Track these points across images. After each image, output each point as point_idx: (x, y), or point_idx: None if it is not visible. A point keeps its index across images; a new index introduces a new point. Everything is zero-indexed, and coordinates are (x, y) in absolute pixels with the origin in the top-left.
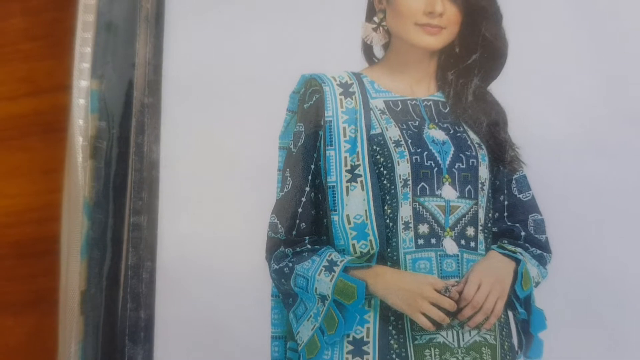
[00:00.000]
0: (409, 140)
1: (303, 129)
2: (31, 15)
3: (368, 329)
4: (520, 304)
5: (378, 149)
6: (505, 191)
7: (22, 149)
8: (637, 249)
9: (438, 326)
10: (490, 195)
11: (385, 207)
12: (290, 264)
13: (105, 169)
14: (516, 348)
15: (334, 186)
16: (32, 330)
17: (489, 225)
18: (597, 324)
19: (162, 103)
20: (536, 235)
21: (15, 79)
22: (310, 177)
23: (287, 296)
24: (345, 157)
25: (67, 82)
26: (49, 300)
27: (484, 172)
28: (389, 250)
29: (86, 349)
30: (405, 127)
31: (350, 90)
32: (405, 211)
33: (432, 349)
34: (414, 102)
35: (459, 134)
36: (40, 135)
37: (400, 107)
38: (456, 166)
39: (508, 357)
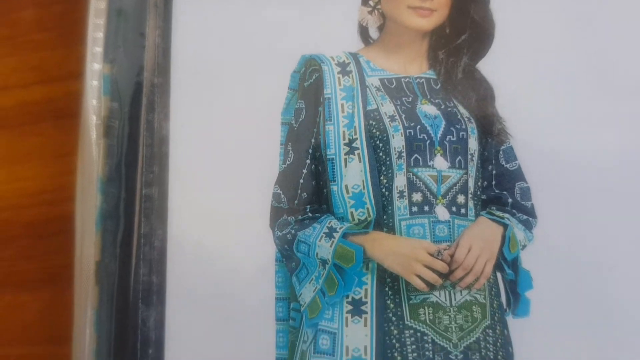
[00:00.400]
0: (403, 115)
1: (304, 106)
2: (42, 7)
3: (366, 290)
4: (508, 265)
5: (374, 123)
6: (493, 161)
7: (35, 134)
8: (617, 214)
9: (431, 287)
10: (479, 165)
11: (381, 177)
12: (293, 231)
13: (117, 147)
14: (505, 306)
15: (333, 158)
16: (46, 306)
17: (478, 193)
18: (581, 284)
19: (171, 83)
20: (522, 202)
21: (28, 68)
22: (310, 150)
23: (290, 261)
24: (344, 132)
25: (77, 70)
26: (62, 277)
27: (473, 144)
28: (385, 217)
29: (101, 314)
30: (399, 103)
31: (348, 69)
32: (400, 181)
33: (426, 307)
34: (407, 79)
35: (449, 109)
36: (52, 121)
37: (394, 84)
38: (447, 139)
39: (497, 314)
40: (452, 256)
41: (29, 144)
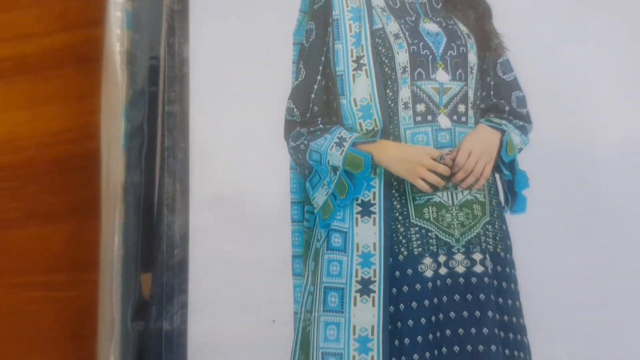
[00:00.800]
0: (407, 33)
1: (314, 27)
2: None
3: (374, 193)
4: (506, 167)
5: (380, 41)
6: (491, 73)
7: (58, 77)
8: (609, 115)
9: (435, 189)
10: (478, 77)
11: (387, 91)
12: (306, 142)
13: (140, 73)
14: (503, 204)
15: (342, 74)
16: (71, 236)
17: (478, 102)
18: (575, 183)
19: (190, 9)
20: (518, 109)
21: (51, 17)
22: (321, 68)
23: (303, 168)
24: (352, 50)
25: (97, 18)
26: (86, 209)
27: (472, 58)
28: (391, 127)
29: (128, 223)
30: (403, 22)
31: None
32: (404, 93)
33: (430, 207)
34: (411, 0)
35: (450, 27)
36: (74, 65)
37: (398, 5)
38: (448, 54)
39: (496, 211)
40: (453, 160)
41: (51, 87)
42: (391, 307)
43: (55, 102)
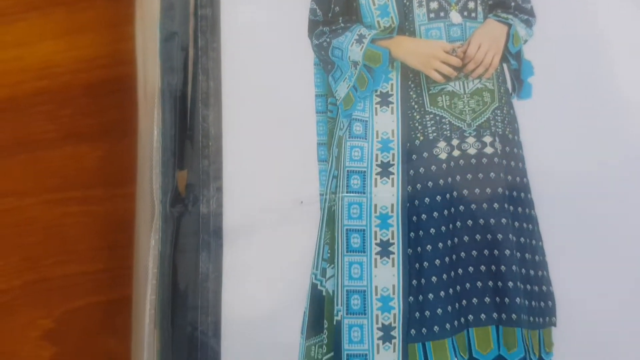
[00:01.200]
0: None
1: None
2: None
3: (392, 84)
4: (512, 57)
5: None
6: None
7: (89, 8)
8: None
9: (447, 79)
10: None
11: None
12: (328, 39)
13: None
14: (510, 91)
15: None
16: (105, 154)
17: None
18: (576, 69)
19: None
20: (523, 5)
21: None
22: None
23: (326, 64)
24: None
25: None
26: (118, 129)
27: None
28: (406, 23)
29: (165, 119)
30: None
31: None
32: None
33: (443, 95)
34: None
35: None
36: None
37: None
38: None
39: (504, 98)
40: (464, 52)
41: (85, 17)
42: (409, 187)
43: (89, 31)
